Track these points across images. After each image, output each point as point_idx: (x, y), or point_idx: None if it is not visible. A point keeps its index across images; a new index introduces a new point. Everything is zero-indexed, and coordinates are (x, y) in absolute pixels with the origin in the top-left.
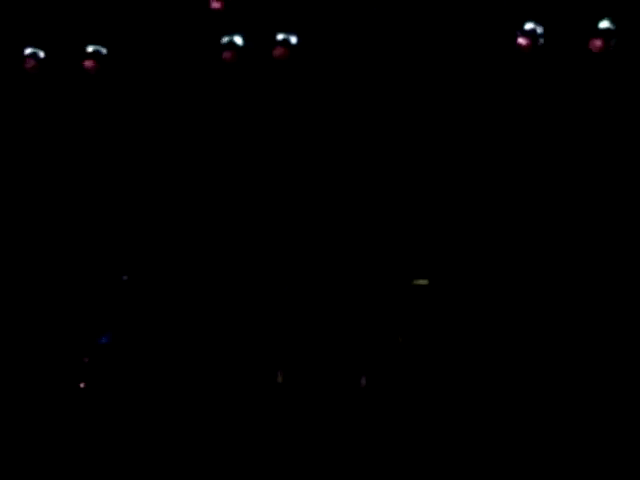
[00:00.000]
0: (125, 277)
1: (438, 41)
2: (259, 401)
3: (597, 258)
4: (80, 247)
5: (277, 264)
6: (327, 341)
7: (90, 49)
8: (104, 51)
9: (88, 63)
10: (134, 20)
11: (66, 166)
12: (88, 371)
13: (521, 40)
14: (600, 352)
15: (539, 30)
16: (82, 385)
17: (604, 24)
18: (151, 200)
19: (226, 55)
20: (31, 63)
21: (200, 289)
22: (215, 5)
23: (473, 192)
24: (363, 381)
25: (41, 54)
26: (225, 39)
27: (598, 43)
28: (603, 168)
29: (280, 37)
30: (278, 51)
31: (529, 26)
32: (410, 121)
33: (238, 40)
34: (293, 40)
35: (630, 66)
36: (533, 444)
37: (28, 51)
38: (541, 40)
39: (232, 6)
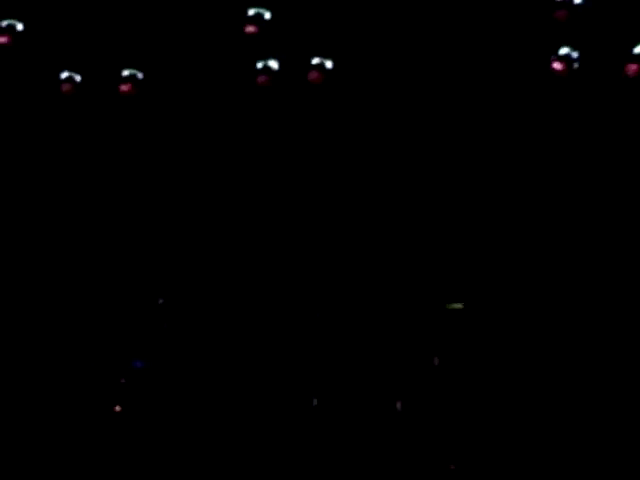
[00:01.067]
0: (161, 301)
1: (474, 66)
2: (295, 425)
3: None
4: (118, 272)
5: (311, 288)
6: (363, 365)
7: (126, 73)
8: (140, 75)
9: (124, 87)
10: (170, 45)
11: (102, 189)
12: (123, 394)
13: (556, 65)
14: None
15: (574, 55)
16: (118, 408)
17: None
18: (188, 223)
19: (261, 79)
20: (68, 87)
21: (236, 314)
22: (250, 29)
23: (508, 217)
24: (399, 405)
25: (77, 78)
26: (260, 63)
27: (633, 67)
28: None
29: (315, 61)
30: (313, 75)
31: (564, 51)
32: (446, 147)
33: (273, 64)
34: (328, 64)
35: None
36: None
37: (65, 75)
38: (576, 65)
39: (267, 30)
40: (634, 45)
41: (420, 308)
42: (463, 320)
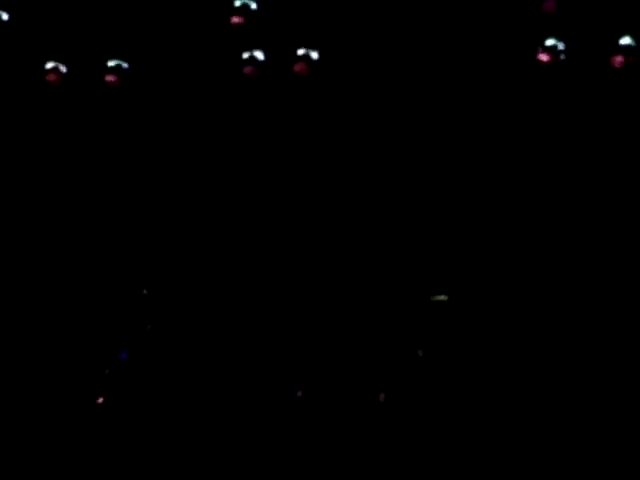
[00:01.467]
0: (145, 291)
1: (460, 58)
2: (279, 416)
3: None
4: (102, 262)
5: (296, 281)
6: (346, 356)
7: (112, 63)
8: (126, 65)
9: (110, 77)
10: (156, 35)
11: (86, 179)
12: (107, 386)
13: (542, 56)
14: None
15: (560, 46)
16: (100, 400)
17: (625, 40)
18: (173, 215)
19: (247, 70)
20: (53, 77)
21: (220, 305)
22: (236, 20)
23: (494, 209)
24: (382, 396)
25: (63, 68)
26: (246, 54)
27: (619, 59)
28: (624, 182)
29: (301, 52)
30: (298, 66)
31: (550, 42)
32: (433, 140)
33: (259, 55)
34: (314, 55)
35: None
36: (558, 460)
37: (50, 65)
38: (562, 56)
39: (253, 21)
40: (620, 36)
41: (404, 300)
42: (448, 312)
